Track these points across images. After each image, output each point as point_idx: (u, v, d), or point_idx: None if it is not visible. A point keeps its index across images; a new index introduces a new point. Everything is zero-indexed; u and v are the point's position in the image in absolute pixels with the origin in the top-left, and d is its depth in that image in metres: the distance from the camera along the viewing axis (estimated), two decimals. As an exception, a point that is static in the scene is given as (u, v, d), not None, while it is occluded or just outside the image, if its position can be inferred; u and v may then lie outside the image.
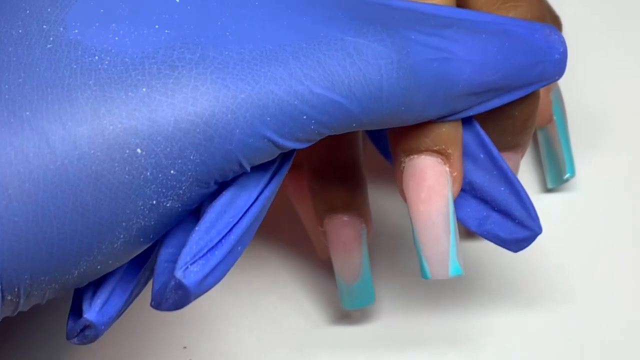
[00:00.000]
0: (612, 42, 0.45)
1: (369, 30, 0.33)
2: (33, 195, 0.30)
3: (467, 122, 0.36)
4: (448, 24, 0.34)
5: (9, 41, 0.31)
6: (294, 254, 0.45)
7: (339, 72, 0.32)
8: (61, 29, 0.31)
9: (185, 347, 0.42)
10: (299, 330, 0.42)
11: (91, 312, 0.33)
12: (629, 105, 0.48)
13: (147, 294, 0.42)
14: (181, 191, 0.31)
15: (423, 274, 0.35)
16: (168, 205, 0.31)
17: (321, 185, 0.40)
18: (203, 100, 0.31)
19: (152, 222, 0.32)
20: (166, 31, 0.32)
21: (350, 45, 0.32)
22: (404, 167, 0.35)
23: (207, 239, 0.32)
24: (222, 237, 0.32)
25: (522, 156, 0.41)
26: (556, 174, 0.45)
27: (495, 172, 0.36)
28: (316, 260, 0.44)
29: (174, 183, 0.31)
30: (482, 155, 0.36)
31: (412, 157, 0.35)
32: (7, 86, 0.30)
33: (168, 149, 0.31)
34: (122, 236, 0.31)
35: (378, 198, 0.44)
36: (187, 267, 0.31)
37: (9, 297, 0.31)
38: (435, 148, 0.35)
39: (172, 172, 0.31)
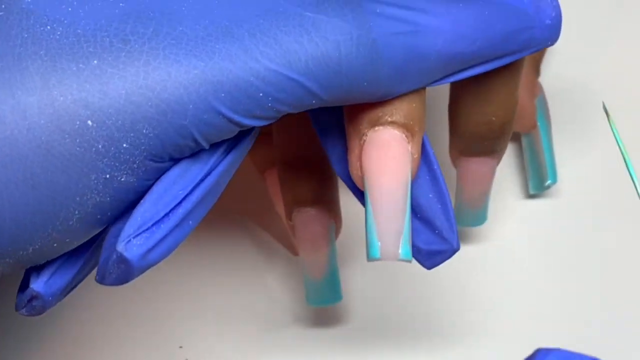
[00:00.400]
0: (598, 49, 0.44)
1: (330, 5, 0.32)
2: None
3: None
4: None
5: None
6: (290, 254, 0.44)
7: (296, 49, 0.31)
8: None
9: (181, 347, 0.42)
10: (295, 330, 0.42)
11: (38, 283, 0.32)
12: (613, 110, 0.47)
13: (143, 288, 0.42)
14: (135, 165, 0.31)
15: (371, 253, 0.33)
16: (122, 179, 0.31)
17: (290, 178, 0.39)
18: (155, 74, 0.30)
19: (108, 198, 0.31)
20: (120, 4, 0.31)
21: (308, 21, 0.32)
22: (365, 139, 0.33)
23: (153, 211, 0.31)
24: (170, 210, 0.31)
25: (498, 162, 0.40)
26: (538, 180, 0.45)
27: (427, 177, 0.35)
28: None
29: (127, 157, 0.31)
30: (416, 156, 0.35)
31: (377, 128, 0.33)
32: None
33: (120, 122, 0.30)
34: (76, 212, 0.31)
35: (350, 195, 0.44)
36: (130, 240, 0.31)
37: None
38: (403, 122, 0.33)
39: (124, 145, 0.30)
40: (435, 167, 0.35)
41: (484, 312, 0.42)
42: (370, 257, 0.33)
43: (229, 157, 0.33)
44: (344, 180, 0.36)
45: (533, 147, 0.45)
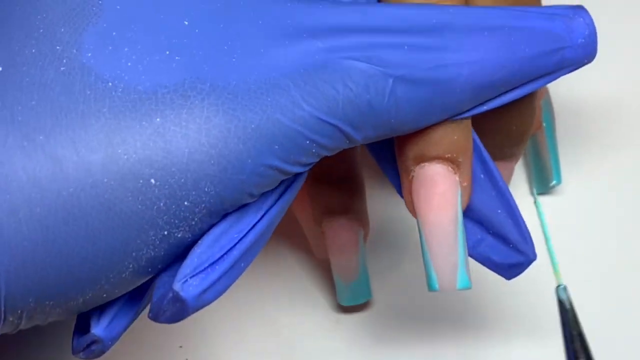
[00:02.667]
0: (602, 50, 0.45)
1: (357, 47, 0.33)
2: (44, 221, 0.30)
3: None
4: (441, 26, 0.33)
5: (23, 60, 0.31)
6: (290, 254, 0.45)
7: (334, 95, 0.32)
8: (74, 51, 0.31)
9: (181, 347, 0.42)
10: (294, 330, 0.43)
11: (99, 328, 0.33)
12: (618, 111, 0.48)
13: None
14: (193, 222, 0.31)
15: (430, 286, 0.34)
16: (179, 235, 0.31)
17: (320, 191, 0.41)
18: (216, 131, 0.31)
19: (162, 253, 0.32)
20: (177, 58, 0.31)
21: (342, 67, 0.32)
22: (413, 175, 0.35)
23: (209, 253, 0.32)
24: (225, 253, 0.32)
25: (516, 162, 0.41)
26: (543, 181, 0.45)
27: (494, 194, 0.36)
28: (313, 261, 0.44)
29: (187, 214, 0.31)
30: (482, 175, 0.36)
31: (422, 165, 0.34)
32: (20, 107, 0.30)
33: (182, 180, 0.31)
34: (131, 266, 0.31)
35: (375, 202, 0.44)
36: (187, 280, 0.31)
37: (10, 318, 0.31)
38: (446, 156, 0.34)
39: (185, 203, 0.31)
40: (501, 184, 0.36)
41: (487, 309, 0.42)
42: (430, 289, 0.34)
43: (280, 201, 0.33)
44: (392, 182, 0.37)
45: (537, 148, 0.45)
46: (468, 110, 0.34)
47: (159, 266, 0.32)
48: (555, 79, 0.35)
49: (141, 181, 0.30)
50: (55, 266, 0.30)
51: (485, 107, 0.35)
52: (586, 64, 0.36)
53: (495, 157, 0.37)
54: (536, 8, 0.35)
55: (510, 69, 0.34)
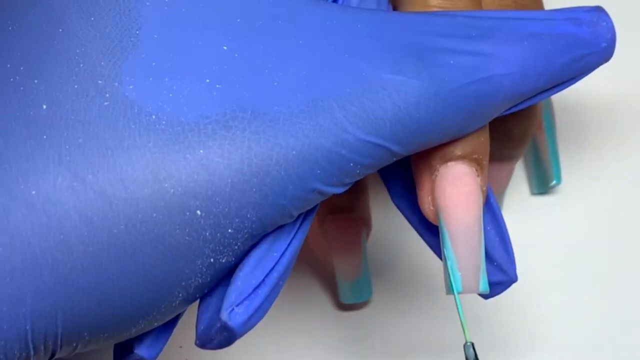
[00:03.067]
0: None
1: (405, 65, 0.33)
2: (97, 258, 0.30)
3: None
4: (485, 34, 0.34)
5: (66, 98, 0.31)
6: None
7: (381, 115, 0.32)
8: (116, 84, 0.31)
9: (181, 347, 0.43)
10: (295, 329, 0.43)
11: (141, 348, 0.33)
12: (618, 112, 0.49)
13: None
14: (236, 247, 0.32)
15: (453, 288, 0.34)
16: (223, 261, 0.32)
17: None
18: (258, 160, 0.31)
19: (208, 279, 0.32)
20: (217, 86, 0.32)
21: (389, 84, 0.32)
22: (437, 174, 0.34)
23: (252, 277, 0.32)
24: (266, 276, 0.33)
25: (515, 163, 0.42)
26: (542, 181, 0.45)
27: (484, 210, 0.35)
28: (313, 260, 0.45)
29: (231, 240, 0.32)
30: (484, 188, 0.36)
31: (449, 164, 0.34)
32: (67, 147, 0.30)
33: (226, 210, 0.31)
34: (180, 295, 0.32)
35: (378, 201, 0.45)
36: (233, 309, 0.32)
37: (65, 349, 0.31)
38: (474, 156, 0.34)
39: (229, 230, 0.31)
40: (492, 201, 0.36)
41: (487, 308, 0.43)
42: (451, 291, 0.34)
43: (310, 216, 0.34)
44: (404, 214, 0.37)
45: (537, 147, 0.45)
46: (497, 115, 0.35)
47: (205, 290, 0.33)
48: (577, 81, 0.35)
49: (188, 213, 0.31)
50: (109, 301, 0.30)
51: (508, 112, 0.35)
52: (601, 65, 0.36)
53: (494, 159, 0.38)
54: (560, 12, 0.35)
55: (547, 77, 0.34)
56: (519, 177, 0.47)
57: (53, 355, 0.31)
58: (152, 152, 0.31)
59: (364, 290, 0.42)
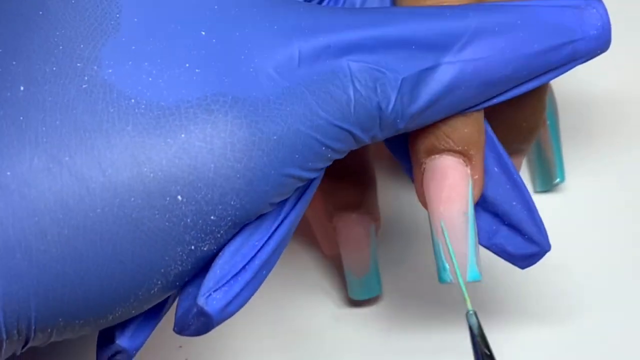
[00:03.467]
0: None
1: (363, 50, 0.33)
2: (72, 242, 0.30)
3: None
4: (449, 28, 0.34)
5: (44, 79, 0.30)
6: (291, 252, 0.45)
7: (346, 100, 0.32)
8: (95, 67, 0.31)
9: (180, 347, 0.42)
10: (304, 325, 0.43)
11: (123, 339, 0.33)
12: (621, 109, 0.48)
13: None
14: (219, 235, 0.31)
15: (441, 278, 0.35)
16: (205, 249, 0.31)
17: (332, 186, 0.41)
18: (241, 145, 0.31)
19: (189, 267, 0.32)
20: (197, 70, 0.31)
21: (350, 70, 0.33)
22: (424, 168, 0.35)
23: (231, 264, 0.32)
24: (246, 263, 0.32)
25: (523, 157, 0.42)
26: (545, 179, 0.45)
27: (508, 186, 0.36)
28: (316, 258, 0.44)
29: (213, 228, 0.31)
30: (496, 169, 0.36)
31: (433, 157, 0.35)
32: (44, 128, 0.30)
33: (209, 196, 0.31)
34: (159, 282, 0.31)
35: (386, 196, 0.45)
36: (210, 294, 0.32)
37: (40, 336, 0.31)
38: (457, 148, 0.34)
39: (212, 217, 0.31)
40: (516, 177, 0.36)
41: (495, 304, 0.43)
42: (441, 281, 0.35)
43: (297, 207, 0.34)
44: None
45: (541, 145, 0.45)
46: (477, 105, 0.35)
47: (186, 279, 0.32)
48: (566, 70, 0.35)
49: (168, 198, 0.30)
50: (84, 286, 0.30)
51: (495, 100, 0.35)
52: (599, 54, 0.35)
53: None
54: (550, 2, 0.35)
55: (517, 65, 0.34)
56: (522, 175, 0.45)
57: (27, 342, 0.31)
58: (131, 136, 0.30)
59: (373, 286, 0.42)
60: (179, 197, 0.30)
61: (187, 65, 0.31)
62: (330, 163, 0.33)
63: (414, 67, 0.33)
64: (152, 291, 0.31)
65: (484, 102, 0.35)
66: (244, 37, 0.32)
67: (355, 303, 0.43)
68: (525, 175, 0.47)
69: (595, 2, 0.35)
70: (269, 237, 0.33)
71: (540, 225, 0.36)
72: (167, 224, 0.30)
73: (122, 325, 0.33)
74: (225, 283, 0.32)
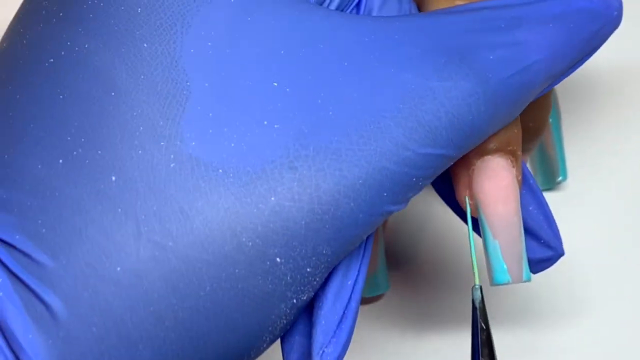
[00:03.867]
0: (607, 45, 0.44)
1: (450, 68, 0.32)
2: (187, 323, 0.30)
3: None
4: (514, 23, 0.33)
5: (132, 165, 0.31)
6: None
7: (437, 125, 0.32)
8: (178, 142, 0.31)
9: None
10: None
11: None
12: (623, 107, 0.48)
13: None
14: (315, 282, 0.32)
15: (500, 278, 0.35)
16: (304, 298, 0.32)
17: None
18: (327, 197, 0.31)
19: (292, 318, 0.33)
20: (275, 126, 0.31)
21: (439, 92, 0.32)
22: (473, 168, 0.35)
23: (334, 312, 0.33)
24: (345, 308, 0.33)
25: (528, 156, 0.42)
26: (548, 177, 0.45)
27: (525, 191, 0.36)
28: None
29: (310, 278, 0.32)
30: (519, 178, 0.36)
31: (485, 158, 0.35)
32: (143, 217, 0.30)
33: (303, 251, 0.31)
34: (268, 339, 0.32)
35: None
36: (324, 352, 0.33)
37: None
38: (509, 148, 0.35)
39: (307, 270, 0.32)
40: (532, 182, 0.36)
41: (497, 302, 0.43)
42: (496, 282, 0.35)
43: (372, 236, 0.34)
44: (445, 200, 0.37)
45: (543, 144, 0.45)
46: None
47: (288, 327, 0.33)
48: (591, 55, 0.35)
49: (268, 262, 0.31)
50: (200, 358, 0.31)
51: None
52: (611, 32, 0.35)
53: None
54: None
55: (572, 55, 0.34)
56: None
57: None
58: (225, 209, 0.31)
59: (380, 283, 0.42)
60: (278, 259, 0.31)
61: (266, 122, 0.31)
62: (422, 189, 0.33)
63: (499, 74, 0.33)
64: (262, 348, 0.33)
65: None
66: (316, 78, 0.32)
67: (362, 300, 0.43)
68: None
69: None
70: (358, 274, 0.34)
71: (556, 230, 0.36)
72: (270, 286, 0.31)
73: None
74: (334, 334, 0.33)
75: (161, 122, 0.31)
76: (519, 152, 0.35)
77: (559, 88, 0.46)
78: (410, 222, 0.45)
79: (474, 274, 0.35)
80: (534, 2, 0.34)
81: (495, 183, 0.34)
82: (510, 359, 0.42)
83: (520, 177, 0.35)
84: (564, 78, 0.35)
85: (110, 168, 0.31)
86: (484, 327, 0.34)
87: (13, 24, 0.34)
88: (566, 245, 0.36)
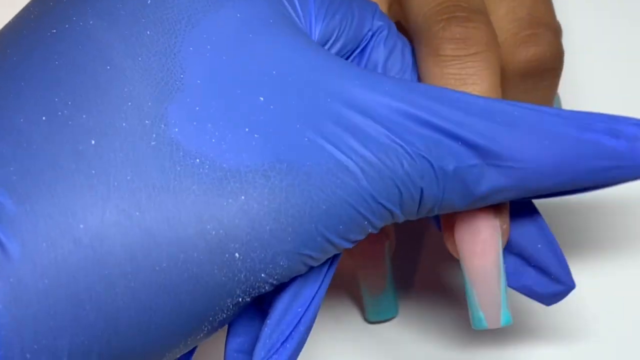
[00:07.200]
0: (613, 45, 0.44)
1: (413, 138, 0.33)
2: (137, 294, 0.31)
3: None
4: (502, 127, 0.34)
5: (114, 134, 0.31)
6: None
7: (398, 186, 0.33)
8: (162, 125, 0.32)
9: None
10: (322, 345, 0.44)
11: None
12: (630, 107, 0.49)
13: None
14: (264, 290, 0.33)
15: (477, 324, 0.36)
16: (248, 300, 0.33)
17: None
18: (294, 211, 0.32)
19: (232, 314, 0.33)
20: (255, 136, 0.33)
21: (403, 154, 0.33)
22: (455, 219, 0.36)
23: (278, 332, 0.34)
24: (292, 330, 0.34)
25: None
26: None
27: (533, 230, 0.37)
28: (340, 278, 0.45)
29: (261, 284, 0.33)
30: (520, 213, 0.37)
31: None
32: (116, 183, 0.31)
33: (262, 255, 0.32)
34: (206, 329, 0.33)
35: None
36: None
37: None
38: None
39: (262, 275, 0.33)
40: (539, 219, 0.37)
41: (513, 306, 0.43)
42: (476, 328, 0.36)
43: (332, 269, 0.35)
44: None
45: None
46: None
47: (225, 324, 0.34)
48: (605, 187, 0.35)
49: (227, 255, 0.32)
50: (143, 335, 0.31)
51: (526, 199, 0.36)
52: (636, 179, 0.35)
53: None
54: (603, 118, 0.34)
55: (561, 180, 0.34)
56: None
57: None
58: (196, 195, 0.31)
59: (389, 307, 0.44)
60: (237, 255, 0.32)
61: (247, 129, 0.33)
62: (365, 237, 0.34)
63: (464, 160, 0.33)
64: (199, 337, 0.33)
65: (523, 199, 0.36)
66: (298, 106, 0.33)
67: (358, 319, 0.44)
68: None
69: None
70: (310, 302, 0.34)
71: (565, 266, 0.37)
72: (223, 278, 0.32)
73: None
74: (275, 352, 0.34)
75: (149, 103, 0.32)
76: (503, 205, 0.36)
77: (560, 91, 0.46)
78: (415, 244, 0.46)
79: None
80: (540, 113, 0.34)
81: (473, 237, 0.36)
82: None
83: (505, 226, 0.36)
84: (569, 194, 0.35)
85: (91, 132, 0.31)
86: None
87: (27, 4, 0.35)
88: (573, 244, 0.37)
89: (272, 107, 0.33)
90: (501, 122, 0.34)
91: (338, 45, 0.36)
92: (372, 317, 0.44)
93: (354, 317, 0.45)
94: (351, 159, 0.33)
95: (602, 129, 0.34)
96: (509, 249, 0.37)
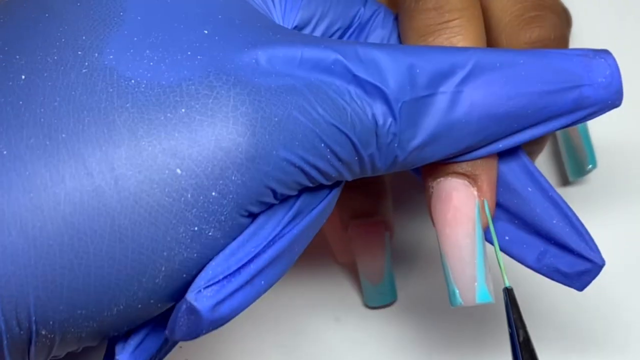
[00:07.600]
0: (625, 35, 0.44)
1: (369, 67, 0.33)
2: (69, 218, 0.29)
3: (513, 154, 0.35)
4: (452, 64, 0.33)
5: (44, 67, 0.31)
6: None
7: (343, 105, 0.32)
8: (96, 54, 0.31)
9: (180, 347, 0.42)
10: (294, 330, 0.43)
11: (124, 354, 0.32)
12: (635, 104, 0.46)
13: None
14: (222, 217, 0.31)
15: (452, 301, 0.34)
16: (210, 234, 0.31)
17: (346, 195, 0.39)
18: (243, 119, 0.31)
19: (195, 255, 0.31)
20: (198, 57, 0.31)
21: (351, 82, 0.32)
22: (432, 191, 0.35)
23: (224, 265, 0.31)
24: (241, 266, 0.31)
25: (536, 157, 0.41)
26: (577, 166, 0.44)
27: (546, 205, 0.35)
28: (319, 260, 0.45)
29: (216, 207, 0.31)
30: (529, 189, 0.36)
31: (439, 180, 0.35)
32: (42, 109, 0.30)
33: (209, 169, 0.30)
34: (163, 268, 0.31)
35: (399, 204, 0.45)
36: (200, 291, 0.31)
37: (43, 332, 0.30)
38: (461, 170, 0.34)
39: (213, 193, 0.31)
40: (551, 194, 0.35)
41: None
42: (452, 305, 0.34)
43: (303, 223, 0.33)
44: None
45: (568, 134, 0.45)
46: (481, 147, 0.34)
47: (194, 271, 0.31)
48: (577, 118, 0.34)
49: (167, 171, 0.30)
50: (83, 267, 0.30)
51: (500, 145, 0.34)
52: (613, 106, 0.35)
53: None
54: (558, 50, 0.34)
55: (518, 102, 0.33)
56: (546, 172, 0.46)
57: (30, 341, 0.30)
58: (129, 112, 0.30)
59: (389, 292, 0.43)
60: (178, 170, 0.30)
61: (189, 53, 0.32)
62: (336, 175, 0.33)
63: (413, 94, 0.33)
64: (157, 279, 0.31)
65: (489, 145, 0.34)
66: (247, 36, 0.32)
67: (346, 308, 0.44)
68: (550, 171, 0.46)
69: (604, 53, 0.34)
70: (267, 246, 0.32)
71: (588, 240, 0.35)
72: (166, 199, 0.30)
73: (124, 341, 0.32)
74: (217, 282, 0.31)
75: (84, 37, 0.32)
76: (479, 173, 0.35)
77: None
78: (418, 229, 0.45)
79: (502, 276, 0.35)
80: (485, 49, 0.34)
81: (444, 204, 0.35)
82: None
83: (484, 198, 0.34)
84: (536, 133, 0.35)
85: (22, 69, 0.31)
86: (521, 326, 0.34)
87: None
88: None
89: (216, 37, 0.32)
90: (451, 52, 0.34)
91: (325, 23, 0.36)
92: (371, 302, 0.43)
93: (354, 301, 0.44)
94: (299, 81, 0.32)
95: (554, 55, 0.34)
96: (525, 229, 0.36)
